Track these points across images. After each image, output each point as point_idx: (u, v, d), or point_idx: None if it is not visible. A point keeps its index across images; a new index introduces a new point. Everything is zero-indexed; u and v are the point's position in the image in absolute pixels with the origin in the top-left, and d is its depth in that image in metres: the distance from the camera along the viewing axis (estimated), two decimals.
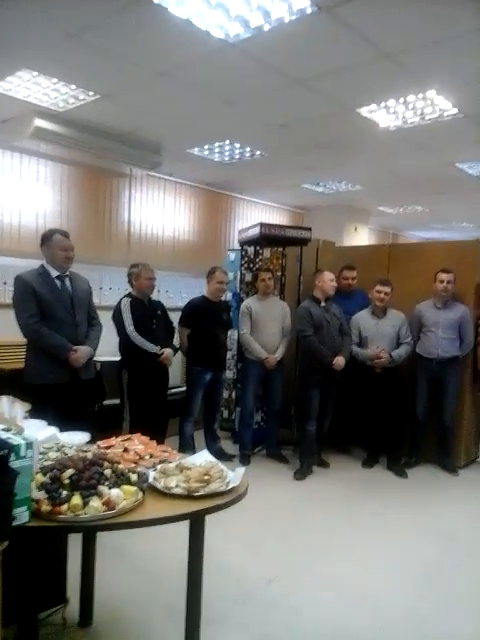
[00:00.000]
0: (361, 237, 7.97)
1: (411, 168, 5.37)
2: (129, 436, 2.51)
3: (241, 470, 2.05)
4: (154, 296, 4.42)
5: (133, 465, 2.09)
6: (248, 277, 5.05)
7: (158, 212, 5.99)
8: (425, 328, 4.59)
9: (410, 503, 3.91)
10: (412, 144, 4.56)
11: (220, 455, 4.53)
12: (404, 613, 2.53)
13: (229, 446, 4.94)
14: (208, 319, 4.48)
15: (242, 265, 5.10)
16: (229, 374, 5.21)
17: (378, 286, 4.53)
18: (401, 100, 3.60)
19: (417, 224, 9.10)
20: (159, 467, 2.11)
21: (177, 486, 1.94)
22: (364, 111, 3.81)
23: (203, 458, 2.19)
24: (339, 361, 4.33)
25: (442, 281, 4.50)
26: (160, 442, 2.58)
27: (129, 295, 4.11)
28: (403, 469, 4.54)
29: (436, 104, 3.64)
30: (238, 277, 5.18)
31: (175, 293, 6.03)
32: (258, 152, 4.99)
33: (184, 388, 4.70)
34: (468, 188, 6.06)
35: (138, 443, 2.36)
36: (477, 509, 3.84)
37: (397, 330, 4.56)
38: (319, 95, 3.53)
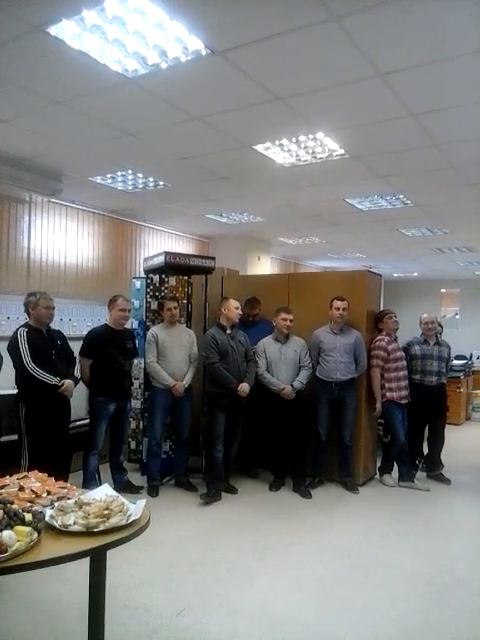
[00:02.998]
0: (264, 266, 8.27)
1: (306, 202, 5.70)
2: (25, 474, 2.41)
3: (142, 502, 2.03)
4: (57, 325, 4.29)
5: (28, 504, 2.01)
6: (154, 305, 5.04)
7: (60, 239, 5.84)
8: (324, 353, 4.84)
9: (314, 523, 4.05)
10: (306, 180, 4.85)
11: (127, 488, 4.44)
12: (306, 631, 2.60)
13: (137, 478, 4.83)
14: (111, 348, 4.40)
15: (148, 293, 5.09)
16: (136, 403, 5.13)
17: (283, 314, 4.74)
18: (294, 140, 3.84)
19: (315, 254, 9.61)
20: (57, 504, 2.05)
21: (75, 523, 1.90)
22: (260, 148, 4.01)
23: (103, 492, 2.16)
24: (243, 387, 4.45)
25: (338, 308, 4.80)
26: (63, 479, 2.49)
27: (26, 325, 3.95)
28: (308, 490, 4.70)
29: (325, 145, 3.93)
30: (144, 305, 5.16)
31: (79, 322, 5.87)
32: (161, 182, 5.06)
33: (88, 420, 4.55)
34: (358, 221, 6.52)
35: (35, 480, 2.28)
36: (374, 525, 4.04)
37: (299, 355, 4.77)
38: (217, 131, 3.67)
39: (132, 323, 5.16)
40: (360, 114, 3.40)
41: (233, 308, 4.58)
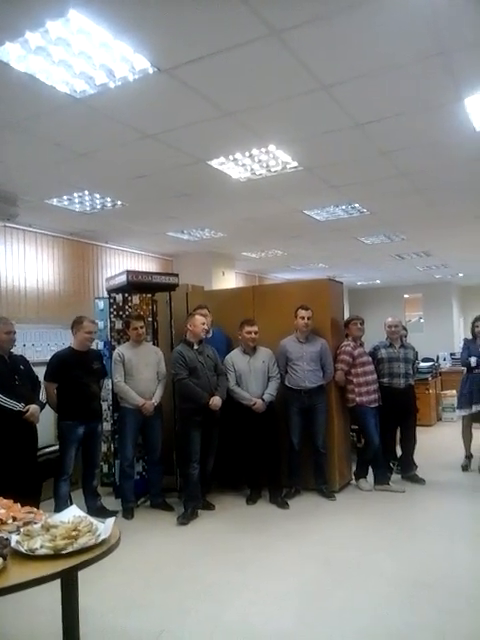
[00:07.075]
0: (229, 281, 8.32)
1: (265, 216, 5.79)
2: None
3: (111, 520, 2.00)
4: (20, 350, 4.21)
5: None
6: (118, 325, 5.00)
7: (19, 264, 5.76)
8: (291, 362, 4.88)
9: (292, 533, 4.03)
10: (262, 194, 4.94)
11: (102, 513, 4.32)
12: None
13: (111, 502, 4.73)
14: (77, 370, 4.33)
15: (111, 313, 5.05)
16: (106, 426, 5.04)
17: (247, 327, 4.75)
18: (247, 154, 3.92)
19: (278, 266, 9.73)
20: (23, 530, 1.99)
21: (42, 547, 1.85)
22: (215, 163, 4.07)
23: (71, 514, 2.11)
24: (215, 401, 4.43)
25: (303, 317, 4.85)
26: (33, 506, 2.43)
27: None
28: (285, 500, 4.68)
29: (278, 157, 4.01)
30: (108, 325, 5.11)
31: (43, 346, 5.78)
32: (119, 202, 5.06)
33: (57, 446, 4.44)
34: (317, 232, 6.65)
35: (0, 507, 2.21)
36: (353, 531, 4.04)
37: (267, 365, 4.80)
38: (170, 148, 3.72)
39: (97, 344, 5.09)
40: (308, 126, 3.50)
41: (199, 324, 4.57)
